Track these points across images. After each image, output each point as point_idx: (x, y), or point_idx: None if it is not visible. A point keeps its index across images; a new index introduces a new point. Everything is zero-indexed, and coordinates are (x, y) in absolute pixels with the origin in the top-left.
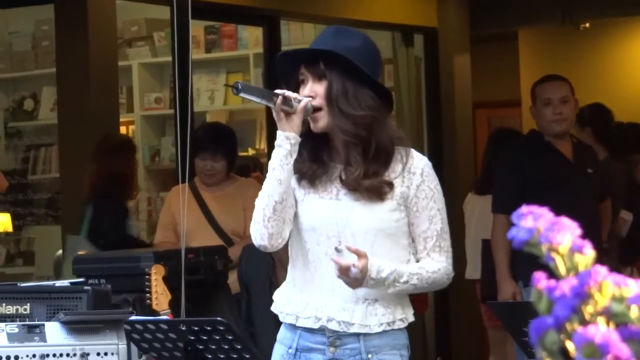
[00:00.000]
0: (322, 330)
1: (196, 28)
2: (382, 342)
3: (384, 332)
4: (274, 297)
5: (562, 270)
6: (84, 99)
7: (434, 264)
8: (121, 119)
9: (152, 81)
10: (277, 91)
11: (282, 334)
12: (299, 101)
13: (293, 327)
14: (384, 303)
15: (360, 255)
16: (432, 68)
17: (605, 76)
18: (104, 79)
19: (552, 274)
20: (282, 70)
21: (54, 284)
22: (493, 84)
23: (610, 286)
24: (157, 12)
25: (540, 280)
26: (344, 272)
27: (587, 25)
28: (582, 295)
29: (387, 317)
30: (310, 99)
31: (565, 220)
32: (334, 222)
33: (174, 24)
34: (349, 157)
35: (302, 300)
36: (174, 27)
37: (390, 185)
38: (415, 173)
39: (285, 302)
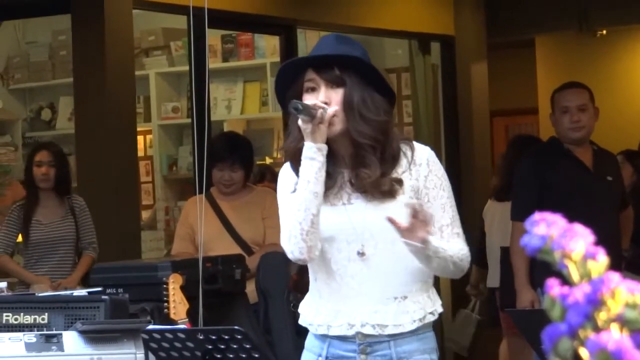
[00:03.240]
0: (353, 338)
1: (213, 37)
2: (412, 347)
3: (415, 335)
4: (300, 311)
5: (575, 277)
6: (102, 108)
7: (460, 246)
8: (138, 129)
9: (169, 90)
10: (309, 102)
11: (311, 342)
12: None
13: (324, 335)
14: (413, 298)
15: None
16: (449, 76)
17: (622, 83)
18: (121, 88)
19: (566, 281)
20: (284, 78)
21: (72, 293)
22: (510, 91)
23: (624, 293)
24: (174, 22)
25: (554, 287)
26: (414, 225)
27: (604, 32)
28: (595, 302)
29: (418, 314)
30: (336, 107)
31: (578, 227)
32: (351, 227)
33: (190, 33)
34: (366, 160)
35: (332, 309)
36: (191, 36)
37: (400, 182)
38: (421, 164)
39: (314, 313)
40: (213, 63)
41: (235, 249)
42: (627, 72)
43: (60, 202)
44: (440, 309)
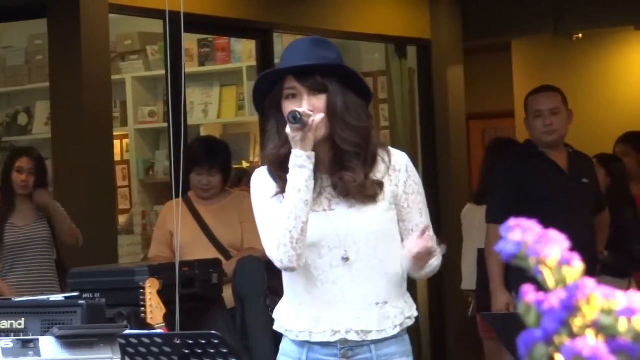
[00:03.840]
0: (335, 343)
1: (189, 41)
2: (391, 350)
3: (395, 338)
4: (275, 317)
5: (550, 283)
6: (78, 113)
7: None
8: (115, 133)
9: (145, 95)
10: (298, 110)
11: (288, 347)
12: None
13: (304, 341)
14: (393, 304)
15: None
16: (426, 80)
17: (599, 86)
18: (97, 93)
19: (541, 287)
20: (262, 86)
21: (49, 298)
22: (486, 95)
23: (599, 299)
24: (150, 26)
25: (529, 293)
26: (425, 251)
27: (580, 35)
28: (570, 308)
29: (399, 319)
30: (322, 115)
31: (553, 233)
32: (333, 233)
33: (166, 37)
34: (348, 164)
35: (313, 315)
36: (167, 40)
37: (381, 185)
38: (400, 170)
39: (293, 319)
40: (189, 67)
41: (213, 253)
42: (603, 75)
43: (32, 206)
44: (416, 313)
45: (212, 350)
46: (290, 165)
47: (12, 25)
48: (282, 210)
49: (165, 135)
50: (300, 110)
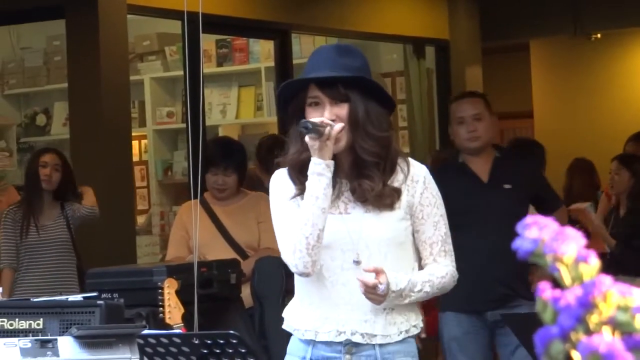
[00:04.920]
0: (340, 342)
1: (207, 42)
2: (396, 348)
3: (399, 343)
4: (284, 316)
5: (567, 280)
6: (96, 113)
7: (442, 269)
8: (133, 134)
9: (164, 95)
10: (315, 119)
11: (295, 346)
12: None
13: (310, 340)
14: (400, 311)
15: (378, 271)
16: (444, 80)
17: (617, 86)
18: (115, 93)
19: (558, 284)
20: (286, 93)
21: (67, 298)
22: (505, 95)
23: (615, 296)
24: (168, 27)
25: (545, 290)
26: (370, 290)
27: (599, 35)
28: (587, 305)
29: (405, 325)
30: (342, 124)
31: (569, 230)
32: (347, 236)
33: (185, 38)
34: (368, 172)
35: (320, 315)
36: (185, 41)
37: (399, 192)
38: (418, 181)
39: (302, 319)
40: (208, 68)
41: (230, 254)
42: (622, 75)
43: (54, 205)
44: (421, 324)
45: (230, 350)
46: (309, 172)
47: (31, 27)
48: (299, 216)
49: (183, 135)
50: (312, 120)
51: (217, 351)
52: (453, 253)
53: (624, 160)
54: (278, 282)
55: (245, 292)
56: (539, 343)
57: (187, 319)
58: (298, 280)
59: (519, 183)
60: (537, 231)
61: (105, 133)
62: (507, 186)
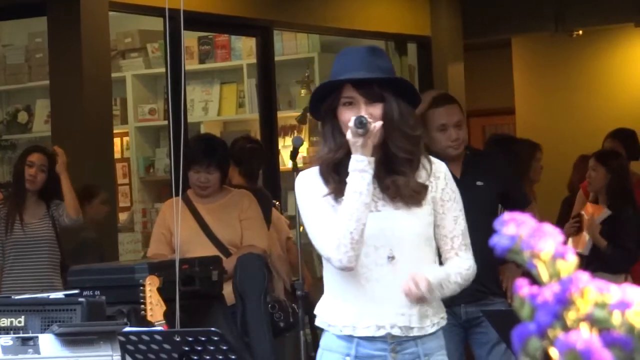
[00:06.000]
0: (383, 338)
1: (189, 39)
2: (433, 344)
3: (433, 335)
4: (316, 312)
5: (544, 276)
6: (78, 110)
7: (465, 262)
8: (115, 131)
9: (145, 92)
10: (364, 115)
11: (333, 342)
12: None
13: (349, 336)
14: (432, 304)
15: (417, 279)
16: (426, 77)
17: (599, 83)
18: (97, 90)
19: (535, 280)
20: (321, 93)
21: (48, 296)
22: (487, 92)
23: (593, 292)
24: (150, 24)
25: (523, 287)
26: (420, 300)
27: (580, 32)
28: (564, 301)
29: (436, 318)
30: (381, 122)
31: (547, 227)
32: (380, 233)
33: (166, 35)
34: (400, 168)
35: (356, 311)
36: (167, 38)
37: (427, 188)
38: (439, 177)
39: (337, 315)
40: (189, 65)
41: (212, 251)
42: (603, 72)
43: (40, 204)
44: (446, 316)
45: (212, 347)
46: (351, 169)
47: (13, 24)
48: (342, 212)
49: (165, 132)
50: (366, 116)
51: (199, 348)
52: (471, 247)
53: (600, 158)
54: (260, 279)
55: (228, 290)
56: (516, 340)
57: (168, 316)
58: (331, 277)
59: (491, 180)
60: (514, 228)
61: (87, 130)
62: (479, 183)
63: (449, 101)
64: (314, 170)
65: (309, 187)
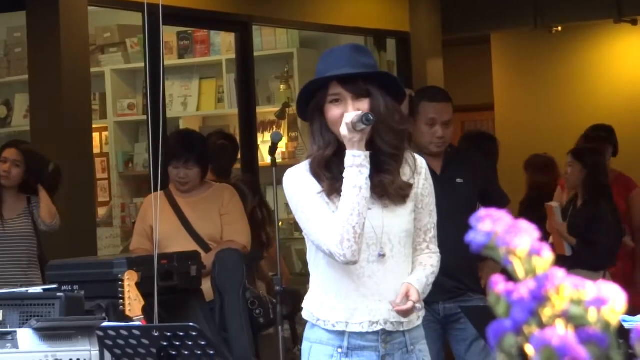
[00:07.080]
0: (375, 332)
1: (169, 34)
2: (418, 333)
3: (418, 327)
4: (307, 307)
5: (520, 273)
6: (57, 105)
7: (434, 257)
8: (94, 126)
9: (125, 87)
10: (360, 112)
11: (322, 335)
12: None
13: (340, 331)
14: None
15: (408, 292)
16: (405, 72)
17: (578, 79)
18: (76, 85)
19: (511, 277)
20: (307, 92)
21: (27, 290)
22: (466, 87)
23: (568, 289)
24: (129, 19)
25: (499, 283)
26: (409, 313)
27: (559, 28)
28: (540, 298)
29: (421, 311)
30: (374, 118)
31: (523, 224)
32: (371, 231)
33: (145, 30)
34: (386, 166)
35: (348, 307)
36: (146, 33)
37: (411, 187)
38: (420, 173)
39: (328, 310)
40: (169, 60)
41: (193, 246)
42: (582, 68)
43: (20, 198)
44: (423, 304)
45: (190, 343)
46: (348, 165)
47: None
48: (344, 208)
49: (144, 127)
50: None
51: (177, 343)
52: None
53: (576, 154)
54: (239, 274)
55: (206, 285)
56: (492, 336)
57: (147, 311)
58: (322, 273)
59: (470, 178)
60: (490, 224)
61: (65, 125)
62: (459, 180)
63: (444, 99)
64: (303, 167)
65: (301, 184)
